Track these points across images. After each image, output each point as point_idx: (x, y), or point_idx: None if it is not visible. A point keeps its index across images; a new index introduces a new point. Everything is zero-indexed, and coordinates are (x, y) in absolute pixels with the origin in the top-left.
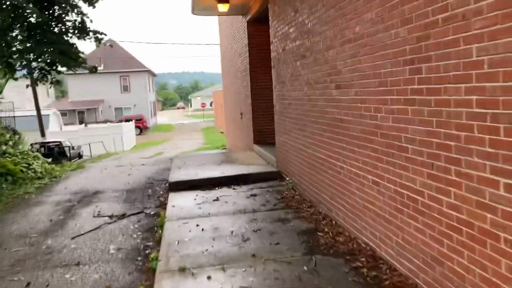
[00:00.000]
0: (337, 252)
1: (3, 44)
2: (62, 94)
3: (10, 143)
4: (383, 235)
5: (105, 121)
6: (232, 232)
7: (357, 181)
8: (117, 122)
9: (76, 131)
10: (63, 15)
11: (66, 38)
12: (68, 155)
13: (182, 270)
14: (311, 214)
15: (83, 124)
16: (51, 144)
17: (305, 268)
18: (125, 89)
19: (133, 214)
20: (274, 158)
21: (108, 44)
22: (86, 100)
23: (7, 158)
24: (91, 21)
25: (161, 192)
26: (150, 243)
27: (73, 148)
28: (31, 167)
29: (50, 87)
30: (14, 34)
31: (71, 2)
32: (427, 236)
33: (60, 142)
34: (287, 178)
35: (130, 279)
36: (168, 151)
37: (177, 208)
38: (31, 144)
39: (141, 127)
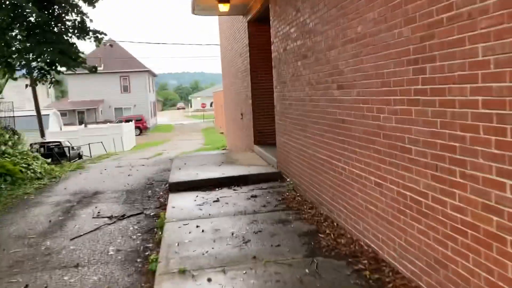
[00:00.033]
0: (339, 254)
1: (3, 44)
2: (62, 94)
3: (10, 143)
4: (385, 237)
5: (105, 121)
6: (232, 233)
7: (359, 182)
8: (117, 122)
9: (76, 131)
10: (63, 15)
11: (66, 38)
12: (68, 155)
13: (182, 272)
14: (312, 215)
15: (83, 124)
16: (50, 144)
17: (306, 270)
18: (125, 89)
19: (132, 215)
20: (275, 159)
21: (108, 44)
22: (86, 100)
23: (6, 158)
24: (91, 20)
25: (161, 193)
26: (150, 245)
27: (72, 148)
28: (30, 167)
29: (50, 87)
30: (13, 33)
31: (71, 2)
32: (430, 238)
33: (59, 142)
34: (288, 179)
35: (129, 281)
36: (168, 152)
37: (177, 209)
38: (31, 144)
39: (141, 128)
